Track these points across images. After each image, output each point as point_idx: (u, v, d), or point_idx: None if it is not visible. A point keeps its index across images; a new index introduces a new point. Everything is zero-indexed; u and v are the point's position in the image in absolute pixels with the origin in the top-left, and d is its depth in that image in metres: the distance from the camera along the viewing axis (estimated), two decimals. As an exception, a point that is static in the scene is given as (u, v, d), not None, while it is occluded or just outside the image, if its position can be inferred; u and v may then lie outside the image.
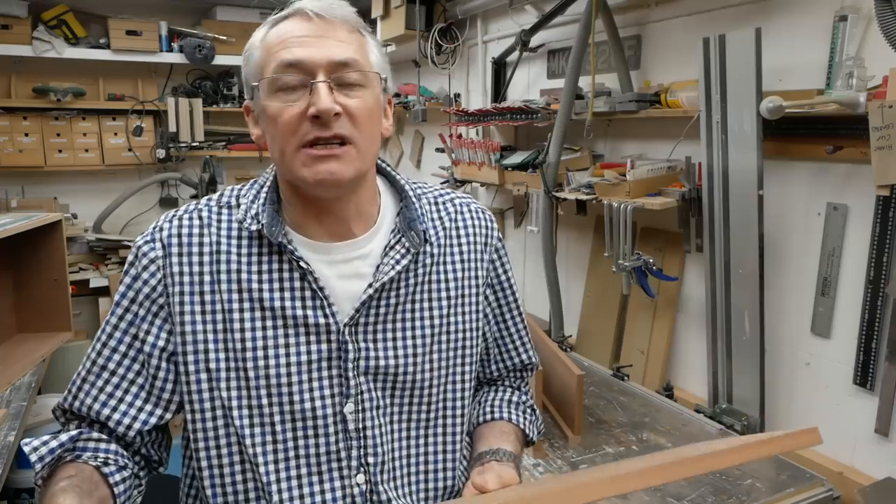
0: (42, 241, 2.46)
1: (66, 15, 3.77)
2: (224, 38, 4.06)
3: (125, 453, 0.95)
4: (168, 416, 0.96)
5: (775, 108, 1.74)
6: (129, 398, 0.94)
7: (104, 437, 0.94)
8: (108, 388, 0.94)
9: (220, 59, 4.06)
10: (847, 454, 1.85)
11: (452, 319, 1.01)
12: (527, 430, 1.12)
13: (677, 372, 2.41)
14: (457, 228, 1.04)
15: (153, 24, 3.91)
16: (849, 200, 1.82)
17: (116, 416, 0.94)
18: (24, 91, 3.78)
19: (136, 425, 0.94)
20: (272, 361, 0.92)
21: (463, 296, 1.02)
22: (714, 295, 2.09)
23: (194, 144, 4.08)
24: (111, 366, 0.94)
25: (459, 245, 1.03)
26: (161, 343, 0.94)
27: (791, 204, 1.97)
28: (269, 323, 0.92)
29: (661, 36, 2.42)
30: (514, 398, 1.16)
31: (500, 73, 3.29)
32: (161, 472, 1.03)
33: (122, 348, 0.94)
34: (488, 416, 1.11)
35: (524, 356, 1.16)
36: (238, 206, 0.97)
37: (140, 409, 0.94)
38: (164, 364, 0.94)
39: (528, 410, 1.16)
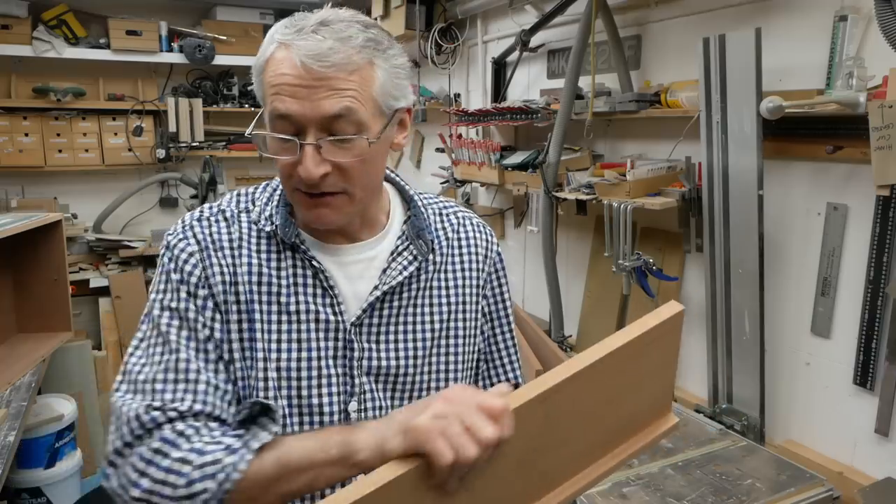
0: (42, 241, 2.46)
1: (66, 15, 3.77)
2: (224, 38, 4.06)
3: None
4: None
5: (775, 108, 1.74)
6: (222, 377, 0.92)
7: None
8: (205, 376, 0.90)
9: (220, 59, 4.06)
10: (847, 454, 1.85)
11: (452, 325, 1.04)
12: None
13: (677, 372, 2.40)
14: (458, 239, 1.08)
15: (153, 24, 3.91)
16: (849, 200, 1.82)
17: (219, 402, 0.90)
18: (24, 91, 3.78)
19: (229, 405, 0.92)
20: (284, 355, 0.95)
21: (463, 303, 1.05)
22: (714, 295, 2.09)
23: (194, 144, 4.08)
24: (200, 354, 0.91)
25: (461, 255, 1.07)
26: (221, 327, 0.93)
27: (791, 204, 1.97)
28: (283, 318, 0.95)
29: (661, 36, 2.42)
30: None
31: (500, 73, 3.29)
32: None
33: (200, 335, 0.92)
34: None
35: (510, 374, 1.14)
36: (254, 209, 1.00)
37: (228, 384, 0.93)
38: (226, 347, 0.93)
39: None
